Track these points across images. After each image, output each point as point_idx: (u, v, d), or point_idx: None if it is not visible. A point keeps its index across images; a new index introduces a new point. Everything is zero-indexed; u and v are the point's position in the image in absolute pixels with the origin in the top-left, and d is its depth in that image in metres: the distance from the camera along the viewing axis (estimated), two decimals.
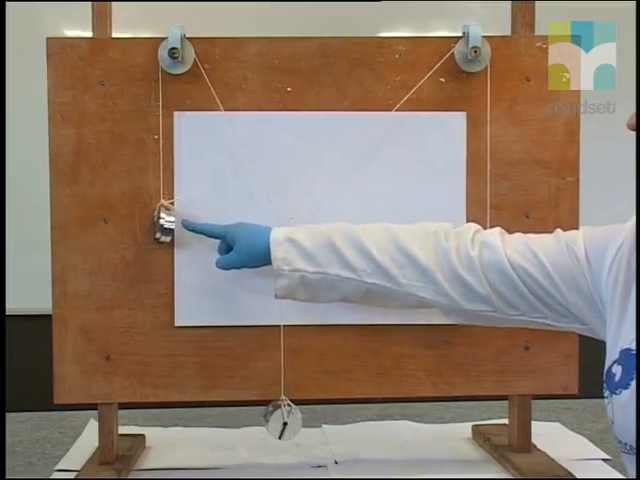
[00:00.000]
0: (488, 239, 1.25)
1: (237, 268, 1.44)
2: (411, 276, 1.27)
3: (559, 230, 1.25)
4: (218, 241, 1.48)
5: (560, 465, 1.59)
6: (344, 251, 1.30)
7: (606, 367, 1.13)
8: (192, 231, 1.51)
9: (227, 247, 1.46)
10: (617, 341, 1.12)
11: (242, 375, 1.59)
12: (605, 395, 1.12)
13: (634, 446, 1.06)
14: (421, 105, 1.57)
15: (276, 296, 1.36)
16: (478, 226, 1.30)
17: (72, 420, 1.94)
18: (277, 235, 1.34)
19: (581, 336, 1.60)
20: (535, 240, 1.24)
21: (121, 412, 1.65)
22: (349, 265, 1.29)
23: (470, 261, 1.24)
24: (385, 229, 1.32)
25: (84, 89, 1.54)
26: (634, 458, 1.07)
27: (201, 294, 1.58)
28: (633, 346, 1.09)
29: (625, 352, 1.10)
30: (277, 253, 1.33)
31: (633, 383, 1.06)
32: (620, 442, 1.10)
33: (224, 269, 1.45)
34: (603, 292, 1.16)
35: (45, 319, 1.60)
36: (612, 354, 1.13)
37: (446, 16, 2.67)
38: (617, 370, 1.11)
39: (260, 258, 1.37)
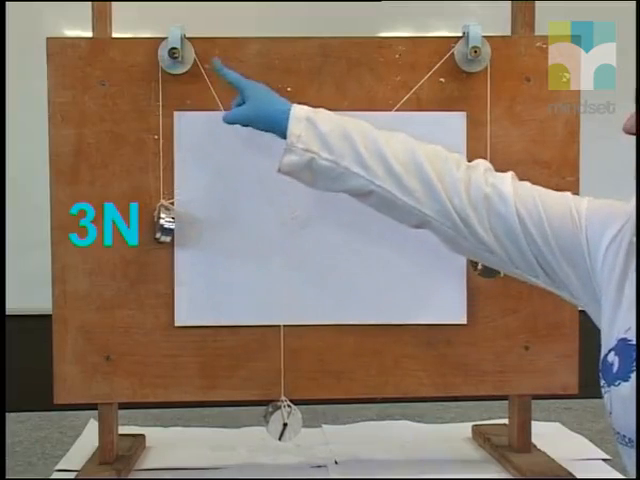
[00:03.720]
0: (500, 185, 1.21)
1: (243, 124, 1.39)
2: (420, 190, 1.24)
3: (569, 195, 1.21)
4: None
5: (560, 465, 1.59)
6: (360, 147, 1.27)
7: (602, 355, 1.12)
8: (219, 73, 1.44)
9: (241, 102, 1.40)
10: (612, 328, 1.11)
11: (242, 375, 1.59)
12: (602, 384, 1.11)
13: (633, 439, 1.05)
14: (421, 105, 1.57)
15: (279, 170, 1.32)
16: (488, 164, 1.27)
17: (72, 420, 1.94)
18: (298, 111, 1.31)
19: (581, 336, 1.60)
20: (544, 202, 1.20)
21: (121, 412, 1.65)
22: (361, 161, 1.26)
23: (477, 198, 1.21)
24: (405, 140, 1.29)
25: (84, 89, 1.54)
26: (632, 451, 1.06)
27: (201, 294, 1.58)
28: (629, 335, 1.08)
29: (622, 342, 1.09)
30: (294, 129, 1.29)
31: (633, 376, 1.05)
32: (618, 434, 1.09)
33: (229, 122, 1.40)
34: (598, 275, 1.14)
35: (45, 319, 1.60)
36: (608, 342, 1.12)
37: (446, 16, 2.67)
38: (614, 360, 1.10)
39: (271, 122, 1.33)
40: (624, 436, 1.08)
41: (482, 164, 1.26)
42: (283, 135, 1.30)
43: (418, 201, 1.24)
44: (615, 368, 1.09)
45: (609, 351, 1.11)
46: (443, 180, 1.23)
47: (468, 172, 1.23)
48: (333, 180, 1.29)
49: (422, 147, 1.27)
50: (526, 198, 1.20)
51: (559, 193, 1.22)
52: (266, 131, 1.35)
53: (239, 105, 1.39)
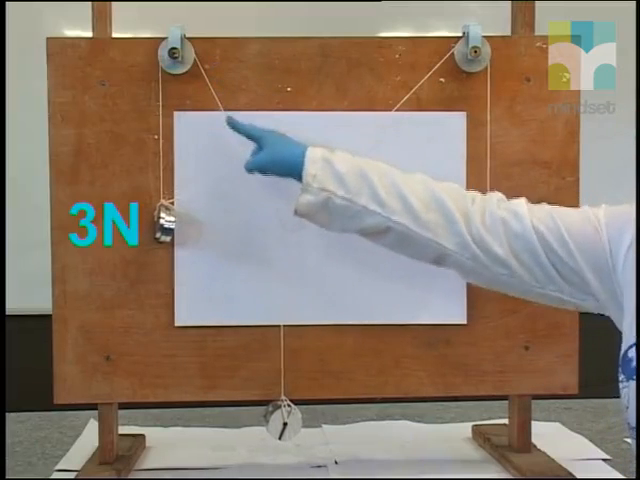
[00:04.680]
0: (515, 207, 1.24)
1: (262, 172, 1.40)
2: (437, 222, 1.25)
3: (586, 207, 1.24)
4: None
5: (560, 465, 1.59)
6: (377, 185, 1.28)
7: (622, 350, 1.14)
8: (233, 128, 1.46)
9: (258, 151, 1.42)
10: (633, 326, 1.12)
11: (242, 375, 1.59)
12: (620, 379, 1.13)
13: None
14: (421, 105, 1.57)
15: (295, 212, 1.33)
16: (501, 195, 1.29)
17: (72, 420, 1.94)
18: (314, 152, 1.32)
19: (581, 336, 1.60)
20: (561, 213, 1.23)
21: (121, 412, 1.65)
22: (378, 198, 1.27)
23: (494, 223, 1.23)
24: (422, 178, 1.30)
25: (84, 89, 1.54)
26: None
27: (201, 294, 1.58)
28: None
29: None
30: (310, 169, 1.30)
31: None
32: (633, 428, 1.11)
33: (248, 170, 1.41)
34: (620, 275, 1.15)
35: (45, 319, 1.60)
36: (629, 339, 1.13)
37: (446, 16, 2.67)
38: (634, 355, 1.11)
39: (288, 166, 1.34)
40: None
41: (495, 195, 1.28)
42: (300, 178, 1.31)
43: (437, 234, 1.25)
44: (634, 363, 1.10)
45: (629, 347, 1.12)
46: (462, 213, 1.24)
47: (482, 204, 1.26)
48: (349, 219, 1.30)
49: (439, 184, 1.29)
50: (541, 214, 1.23)
51: (577, 209, 1.24)
52: (284, 176, 1.36)
53: (256, 154, 1.41)
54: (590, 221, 1.19)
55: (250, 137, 1.43)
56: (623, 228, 1.16)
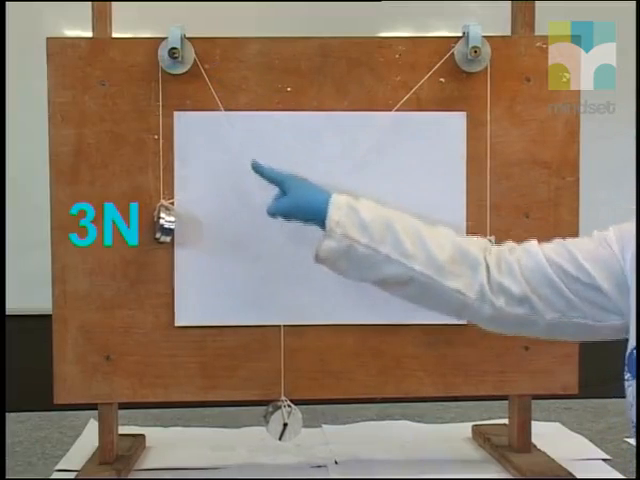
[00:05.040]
0: (526, 246, 1.28)
1: (284, 217, 1.39)
2: (461, 272, 1.26)
3: (595, 232, 1.26)
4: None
5: (560, 465, 1.59)
6: (401, 234, 1.28)
7: (628, 350, 1.15)
8: (257, 172, 1.46)
9: (282, 195, 1.42)
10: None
11: (242, 375, 1.59)
12: (626, 377, 1.14)
13: None
14: (421, 105, 1.57)
15: (316, 257, 1.33)
16: (513, 243, 1.32)
17: (72, 420, 1.94)
18: (339, 199, 1.32)
19: None
20: (572, 241, 1.26)
21: (121, 412, 1.65)
22: (402, 248, 1.27)
23: (508, 266, 1.25)
24: (445, 230, 1.32)
25: (84, 89, 1.54)
26: None
27: (201, 294, 1.58)
28: None
29: None
30: (334, 215, 1.30)
31: None
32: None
33: (271, 215, 1.40)
34: (629, 276, 1.17)
35: (45, 319, 1.60)
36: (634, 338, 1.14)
37: (446, 16, 2.67)
38: None
39: (311, 212, 1.34)
40: None
41: (507, 244, 1.31)
42: (323, 225, 1.31)
43: (461, 285, 1.26)
44: None
45: (637, 346, 1.13)
46: (484, 264, 1.26)
47: (498, 253, 1.28)
48: (369, 268, 1.30)
49: (462, 237, 1.32)
50: (552, 245, 1.26)
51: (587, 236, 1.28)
52: (307, 222, 1.36)
53: (279, 198, 1.41)
54: (601, 241, 1.22)
55: (273, 181, 1.43)
56: (630, 238, 1.18)
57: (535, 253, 1.25)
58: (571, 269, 1.21)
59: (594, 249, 1.22)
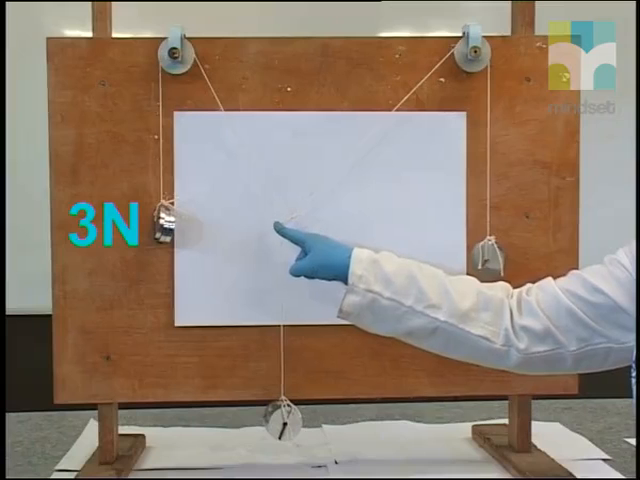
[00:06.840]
0: (541, 283, 1.30)
1: (308, 276, 1.41)
2: (487, 319, 1.28)
3: (605, 258, 1.27)
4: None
5: (560, 465, 1.59)
6: (424, 285, 1.29)
7: (635, 349, 1.15)
8: (279, 233, 1.49)
9: (304, 255, 1.44)
10: None
11: (242, 375, 1.59)
12: (633, 375, 1.14)
13: None
14: (421, 105, 1.57)
15: (340, 311, 1.34)
16: (530, 284, 1.33)
17: (72, 420, 1.94)
18: (360, 253, 1.34)
19: None
20: (584, 269, 1.28)
21: (121, 412, 1.65)
22: (426, 299, 1.28)
23: (528, 305, 1.27)
24: (468, 278, 1.35)
25: (84, 89, 1.54)
26: None
27: (201, 294, 1.58)
28: None
29: None
30: (356, 269, 1.31)
31: None
32: None
33: (294, 275, 1.42)
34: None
35: (45, 319, 1.60)
36: None
37: (446, 16, 2.67)
38: None
39: (334, 269, 1.35)
40: None
41: (525, 287, 1.32)
42: (346, 280, 1.32)
43: (487, 332, 1.27)
44: None
45: (637, 346, 1.14)
46: (507, 310, 1.28)
47: (518, 296, 1.30)
48: (396, 321, 1.30)
49: (485, 284, 1.32)
50: (566, 277, 1.28)
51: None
52: (331, 279, 1.37)
53: (301, 258, 1.43)
54: (613, 262, 1.23)
55: (295, 241, 1.45)
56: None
57: (550, 287, 1.27)
58: (587, 295, 1.23)
59: (607, 272, 1.23)
